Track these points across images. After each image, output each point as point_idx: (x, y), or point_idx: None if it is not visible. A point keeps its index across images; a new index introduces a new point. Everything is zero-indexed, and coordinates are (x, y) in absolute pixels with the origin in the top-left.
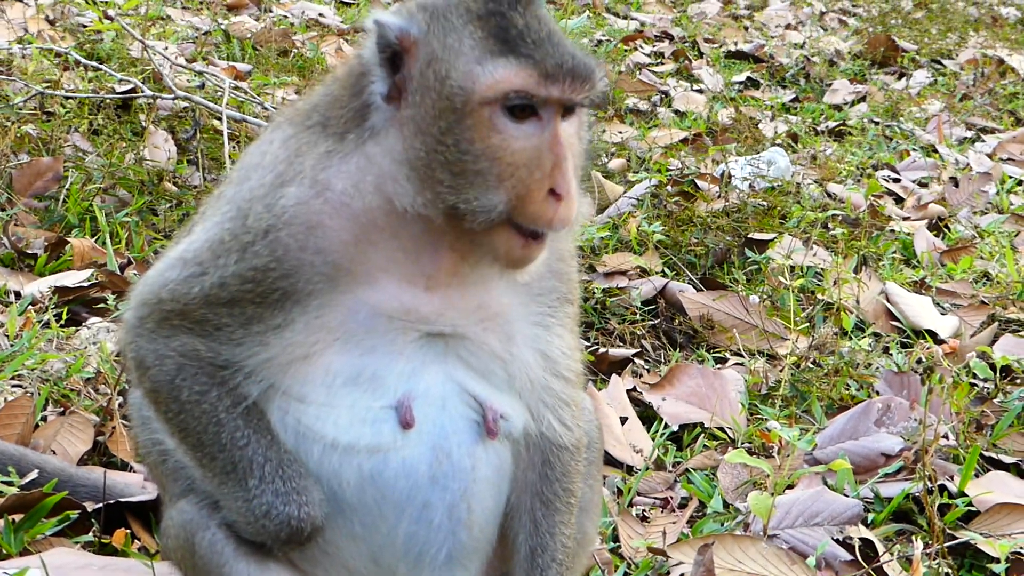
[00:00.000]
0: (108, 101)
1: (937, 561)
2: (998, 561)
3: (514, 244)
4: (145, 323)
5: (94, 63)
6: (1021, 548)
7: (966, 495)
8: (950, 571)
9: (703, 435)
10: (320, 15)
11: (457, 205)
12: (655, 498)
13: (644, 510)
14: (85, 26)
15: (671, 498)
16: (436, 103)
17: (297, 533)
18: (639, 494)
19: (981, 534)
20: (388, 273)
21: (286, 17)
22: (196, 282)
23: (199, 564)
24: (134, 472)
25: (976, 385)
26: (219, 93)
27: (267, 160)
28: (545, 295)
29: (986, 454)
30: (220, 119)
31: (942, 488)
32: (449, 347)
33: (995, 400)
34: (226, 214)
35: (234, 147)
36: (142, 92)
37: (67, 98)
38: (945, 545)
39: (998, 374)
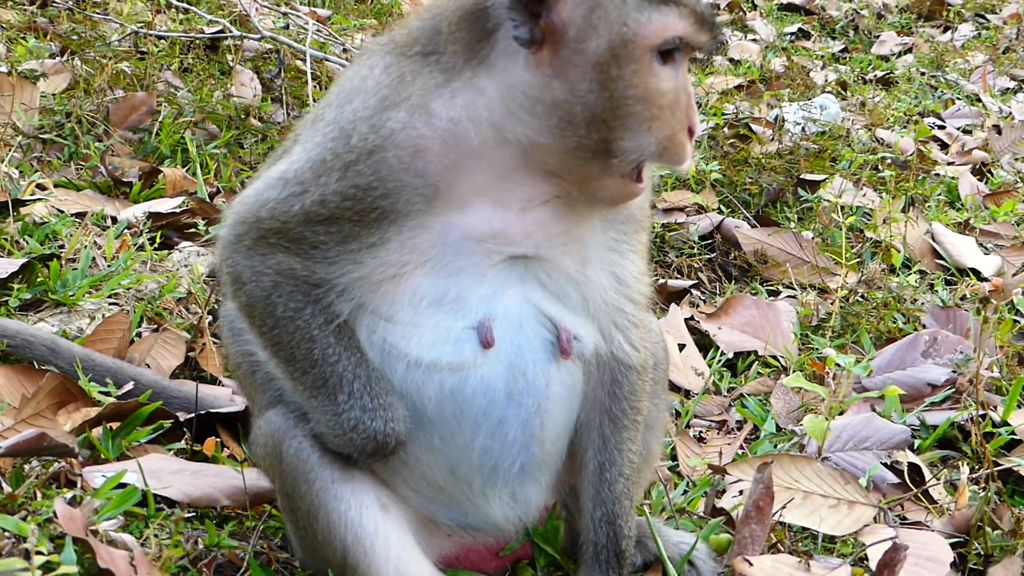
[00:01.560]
0: (198, 41)
1: (983, 485)
2: None
3: (625, 186)
4: (243, 240)
5: (184, 5)
6: None
7: (1009, 424)
8: (996, 496)
9: (757, 362)
10: None
11: (589, 144)
12: (711, 420)
13: (701, 431)
14: None
15: (727, 421)
16: (599, 49)
17: (382, 447)
18: (696, 416)
19: None
20: (483, 198)
21: None
22: (297, 200)
23: (286, 471)
24: (222, 386)
25: (1018, 321)
26: (302, 35)
27: (369, 84)
28: (623, 223)
29: None
30: (303, 59)
31: (986, 417)
32: (528, 270)
33: None
34: (327, 135)
35: (316, 86)
36: (230, 33)
37: (160, 38)
38: (992, 470)
39: None
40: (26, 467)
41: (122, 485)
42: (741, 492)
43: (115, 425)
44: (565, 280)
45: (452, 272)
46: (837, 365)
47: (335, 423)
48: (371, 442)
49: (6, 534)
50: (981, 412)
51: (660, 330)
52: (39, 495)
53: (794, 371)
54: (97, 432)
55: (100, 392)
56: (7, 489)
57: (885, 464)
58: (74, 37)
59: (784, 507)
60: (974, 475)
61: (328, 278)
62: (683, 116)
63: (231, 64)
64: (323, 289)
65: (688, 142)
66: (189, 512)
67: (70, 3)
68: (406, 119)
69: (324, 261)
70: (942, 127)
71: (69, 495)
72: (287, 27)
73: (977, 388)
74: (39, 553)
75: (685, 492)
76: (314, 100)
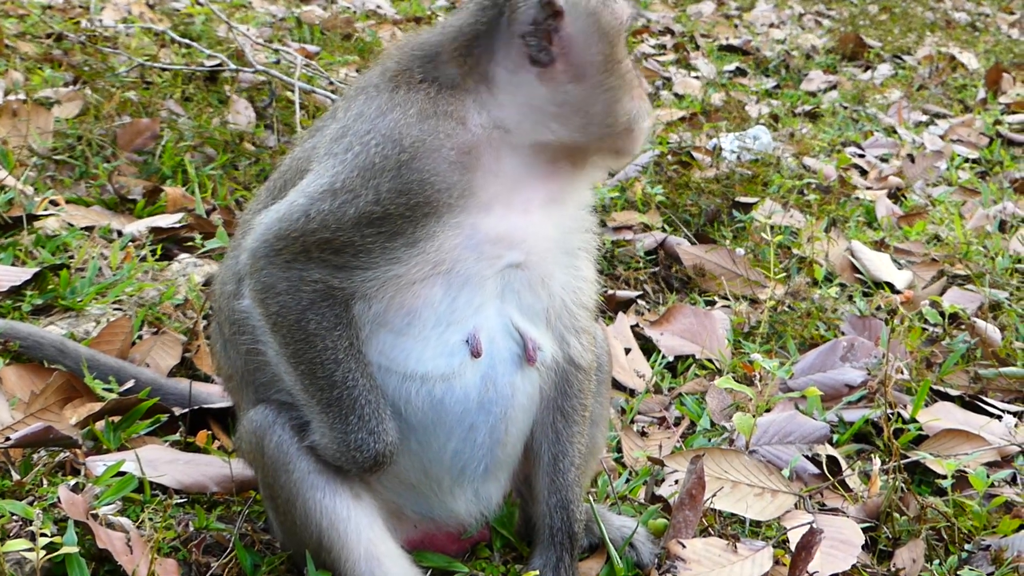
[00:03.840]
0: (198, 73)
1: (892, 475)
2: (944, 478)
3: (630, 137)
4: (282, 254)
5: (187, 41)
6: (964, 467)
7: (917, 421)
8: (904, 485)
9: (694, 365)
10: (378, 6)
11: (616, 124)
12: (653, 417)
13: (643, 427)
14: (179, 10)
15: (666, 417)
16: (600, 47)
17: (379, 465)
18: (640, 413)
19: (931, 454)
20: (498, 201)
21: (349, 7)
22: (351, 205)
23: (267, 462)
24: (215, 383)
25: (927, 329)
26: (292, 69)
27: (398, 102)
28: (584, 230)
29: (934, 387)
30: (292, 90)
31: (897, 415)
32: (508, 282)
33: (943, 342)
34: (368, 144)
35: (304, 114)
36: (227, 66)
37: (163, 70)
38: (900, 463)
39: (946, 320)
40: (34, 457)
41: (121, 473)
42: (677, 482)
43: (116, 419)
44: (538, 289)
45: (465, 279)
46: (764, 368)
47: (341, 440)
48: (370, 460)
49: (14, 517)
50: (890, 411)
51: (604, 335)
52: (45, 482)
53: (727, 373)
54: (100, 425)
55: (103, 389)
56: (16, 477)
57: (807, 456)
58: (86, 68)
59: (715, 495)
60: (885, 467)
61: (364, 285)
62: (637, 79)
63: (228, 94)
64: (355, 305)
65: (645, 98)
66: (181, 498)
67: (83, 37)
68: (451, 126)
69: (363, 267)
70: (862, 156)
71: (72, 482)
72: (278, 62)
73: (886, 390)
74: (43, 535)
75: (628, 481)
76: (302, 127)
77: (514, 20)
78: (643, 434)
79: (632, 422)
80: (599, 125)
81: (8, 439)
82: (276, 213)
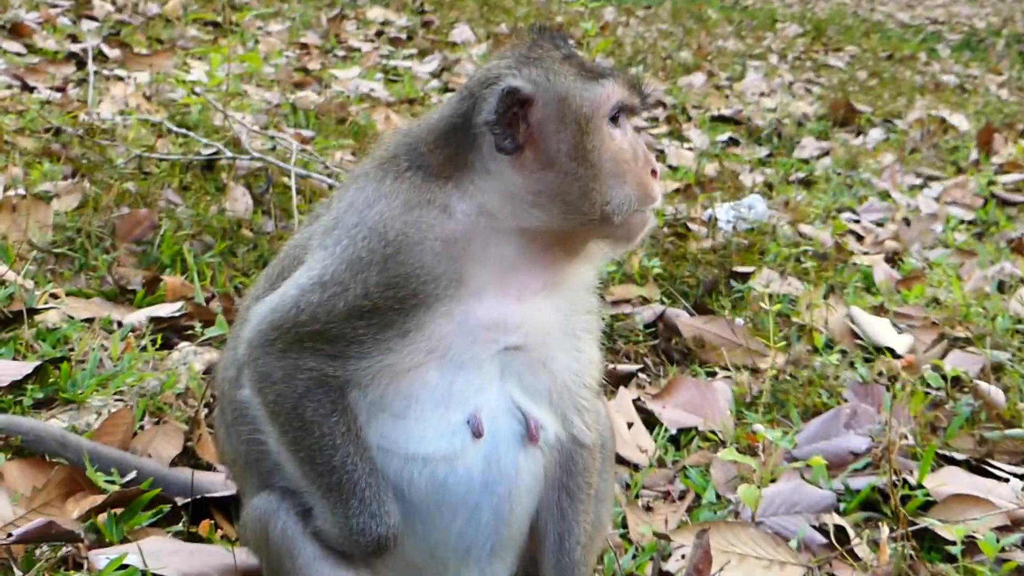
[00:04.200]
0: (195, 162)
1: (901, 543)
2: (954, 544)
3: (632, 224)
4: (275, 344)
5: (183, 131)
6: (973, 532)
7: (924, 487)
8: (913, 553)
9: (697, 437)
10: (371, 90)
11: (592, 213)
12: (658, 491)
13: (648, 501)
14: (176, 100)
15: (671, 491)
16: (571, 134)
17: (383, 549)
18: (644, 488)
19: (939, 520)
20: (492, 287)
21: (343, 92)
22: (340, 299)
23: (272, 549)
24: (217, 472)
25: (930, 393)
26: (288, 155)
27: (385, 192)
28: (587, 312)
29: (940, 452)
30: (289, 176)
31: (903, 481)
32: (509, 362)
33: (946, 406)
34: (356, 237)
35: (301, 199)
36: (223, 154)
37: (161, 160)
38: (908, 530)
39: (948, 383)
40: (37, 552)
41: (124, 567)
42: (684, 556)
43: (119, 511)
44: (538, 370)
45: (460, 364)
46: (767, 438)
47: (344, 525)
48: (373, 545)
49: None
50: (896, 477)
51: (607, 411)
52: None
53: (731, 444)
54: (102, 518)
55: (105, 481)
56: (18, 574)
57: (814, 526)
58: (84, 160)
59: (722, 569)
60: (893, 534)
61: (358, 374)
62: (644, 162)
63: (225, 182)
64: (350, 391)
65: (654, 181)
66: None
67: (81, 130)
68: (436, 215)
69: (357, 356)
70: (857, 221)
71: None
72: (274, 148)
73: (890, 456)
74: None
75: (634, 557)
76: (299, 211)
77: (480, 109)
78: (648, 509)
79: (637, 497)
80: (578, 212)
81: (10, 535)
82: (269, 304)
